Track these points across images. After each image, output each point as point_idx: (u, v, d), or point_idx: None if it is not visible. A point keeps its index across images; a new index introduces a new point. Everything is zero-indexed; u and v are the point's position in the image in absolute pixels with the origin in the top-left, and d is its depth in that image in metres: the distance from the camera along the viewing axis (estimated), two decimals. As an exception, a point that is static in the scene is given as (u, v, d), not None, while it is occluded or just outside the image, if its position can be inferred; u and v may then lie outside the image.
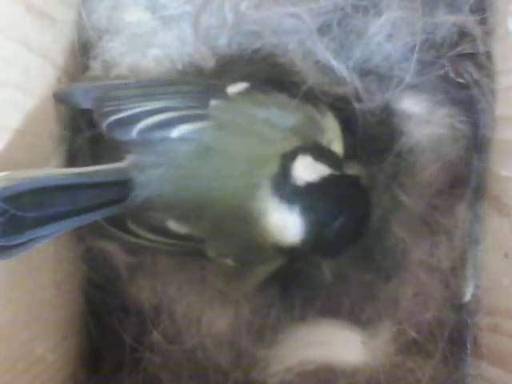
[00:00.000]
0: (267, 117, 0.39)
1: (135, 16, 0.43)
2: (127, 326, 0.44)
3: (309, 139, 0.39)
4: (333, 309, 0.43)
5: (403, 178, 0.43)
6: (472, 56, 0.42)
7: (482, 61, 0.42)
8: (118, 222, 0.39)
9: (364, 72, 0.43)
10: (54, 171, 0.38)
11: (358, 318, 0.43)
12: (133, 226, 0.39)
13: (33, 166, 0.38)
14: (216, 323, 0.43)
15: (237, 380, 0.42)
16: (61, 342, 0.42)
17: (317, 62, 0.42)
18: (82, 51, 0.44)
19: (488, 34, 0.42)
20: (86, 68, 0.44)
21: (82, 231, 0.41)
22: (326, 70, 0.42)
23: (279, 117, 0.39)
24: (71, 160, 0.43)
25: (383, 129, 0.43)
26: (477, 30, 0.42)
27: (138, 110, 0.39)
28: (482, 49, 0.42)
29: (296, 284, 0.44)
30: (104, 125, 0.39)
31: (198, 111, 0.39)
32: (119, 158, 0.39)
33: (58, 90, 0.41)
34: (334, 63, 0.42)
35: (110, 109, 0.39)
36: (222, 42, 0.43)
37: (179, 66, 0.44)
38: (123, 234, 0.40)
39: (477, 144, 0.43)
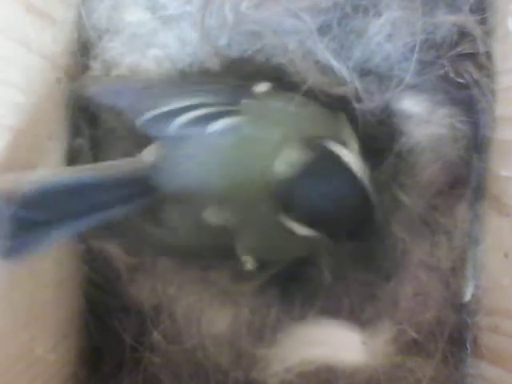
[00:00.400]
0: (290, 109, 0.40)
1: (135, 16, 0.43)
2: (127, 325, 0.44)
3: (326, 131, 0.40)
4: (333, 309, 0.43)
5: (403, 178, 0.43)
6: (472, 56, 0.42)
7: (481, 61, 0.42)
8: (149, 216, 0.39)
9: (364, 72, 0.43)
10: (65, 170, 0.38)
11: (358, 317, 0.43)
12: (167, 219, 0.40)
13: (33, 166, 0.38)
14: (216, 323, 0.43)
15: (237, 380, 0.42)
16: (61, 341, 0.43)
17: (317, 62, 0.42)
18: (82, 51, 0.44)
19: (488, 33, 0.42)
20: (86, 68, 0.44)
21: (82, 232, 0.41)
22: (325, 69, 0.42)
23: (300, 110, 0.40)
24: (71, 160, 0.43)
25: (383, 129, 0.43)
26: (477, 30, 0.42)
27: (174, 106, 0.40)
28: (482, 49, 0.42)
29: (296, 284, 0.44)
30: (139, 122, 0.40)
31: (232, 107, 0.40)
32: (123, 156, 0.40)
33: (84, 88, 0.42)
34: (334, 63, 0.42)
35: (144, 106, 0.40)
36: (222, 42, 0.43)
37: (179, 66, 0.44)
38: (152, 228, 0.40)
39: (477, 144, 0.43)
